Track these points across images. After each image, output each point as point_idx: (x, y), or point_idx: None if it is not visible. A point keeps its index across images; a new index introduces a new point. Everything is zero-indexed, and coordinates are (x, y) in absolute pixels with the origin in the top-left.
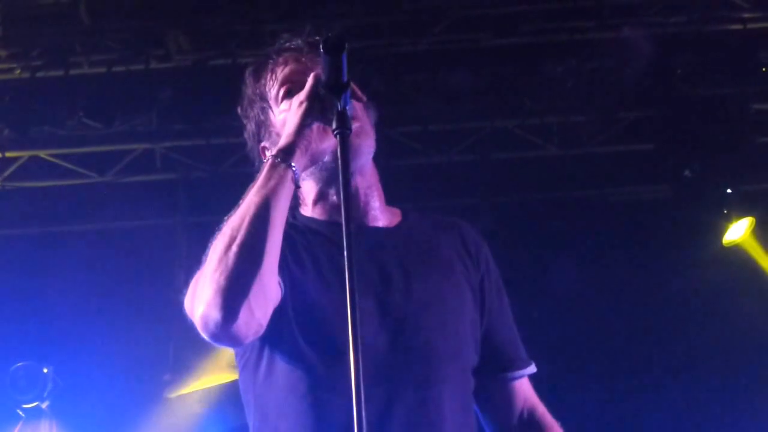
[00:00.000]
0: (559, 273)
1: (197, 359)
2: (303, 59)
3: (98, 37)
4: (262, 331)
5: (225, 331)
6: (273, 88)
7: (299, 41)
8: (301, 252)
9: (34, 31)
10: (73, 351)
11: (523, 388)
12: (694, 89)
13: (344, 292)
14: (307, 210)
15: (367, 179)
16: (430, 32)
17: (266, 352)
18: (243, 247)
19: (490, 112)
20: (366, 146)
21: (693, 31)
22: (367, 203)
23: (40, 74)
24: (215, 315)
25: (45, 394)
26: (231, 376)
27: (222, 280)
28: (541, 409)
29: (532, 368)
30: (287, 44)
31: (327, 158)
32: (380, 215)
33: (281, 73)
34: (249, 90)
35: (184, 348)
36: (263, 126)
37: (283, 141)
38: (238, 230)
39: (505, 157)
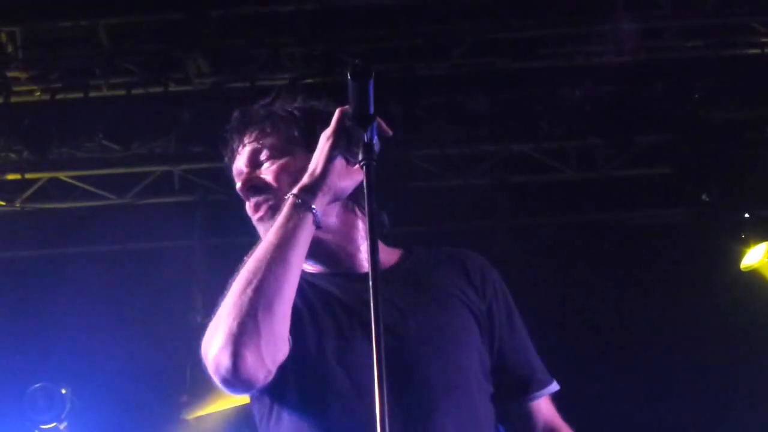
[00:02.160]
0: (576, 296)
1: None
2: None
3: (117, 59)
4: (271, 377)
5: (234, 375)
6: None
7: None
8: (297, 304)
9: (54, 53)
10: (91, 372)
11: (543, 410)
12: (711, 113)
13: (341, 338)
14: None
15: (353, 228)
16: (448, 56)
17: (275, 407)
18: (258, 292)
19: (507, 136)
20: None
21: (711, 55)
22: (357, 249)
23: (59, 96)
24: (225, 360)
25: (63, 415)
26: (248, 399)
27: (235, 326)
28: (565, 431)
29: (553, 387)
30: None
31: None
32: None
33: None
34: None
35: (202, 369)
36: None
37: (307, 178)
38: (254, 273)
39: (523, 180)
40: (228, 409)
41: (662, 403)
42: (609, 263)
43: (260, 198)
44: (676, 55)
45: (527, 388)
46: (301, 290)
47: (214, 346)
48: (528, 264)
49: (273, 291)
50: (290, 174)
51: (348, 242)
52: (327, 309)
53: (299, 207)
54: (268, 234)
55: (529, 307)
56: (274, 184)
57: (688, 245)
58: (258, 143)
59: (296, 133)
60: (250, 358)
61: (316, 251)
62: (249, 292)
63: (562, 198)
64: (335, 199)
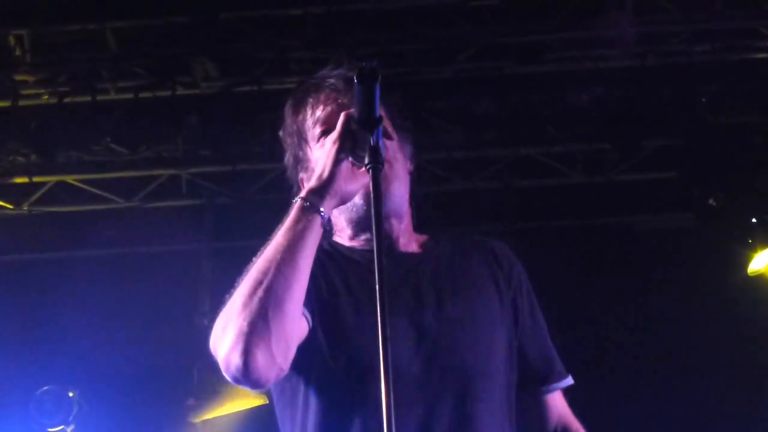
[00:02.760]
0: (583, 301)
1: (221, 384)
2: (340, 100)
3: (125, 63)
4: (283, 375)
5: (245, 375)
6: (311, 128)
7: (338, 79)
8: (334, 278)
9: (62, 57)
10: (98, 375)
11: (557, 404)
12: (718, 117)
13: (375, 315)
14: (342, 237)
15: (401, 217)
16: (455, 60)
17: (302, 381)
18: (268, 292)
19: (514, 140)
20: (392, 192)
21: (718, 59)
22: (399, 231)
23: (67, 100)
24: (236, 359)
25: (70, 419)
26: (255, 401)
27: (245, 325)
28: (576, 426)
29: (568, 380)
30: (327, 80)
31: (361, 197)
32: (409, 240)
33: (321, 112)
34: (288, 121)
35: (209, 373)
36: (300, 160)
37: (314, 182)
38: (264, 274)
39: (530, 184)
40: (235, 412)
41: (669, 406)
42: (616, 267)
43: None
44: (683, 60)
45: (545, 380)
46: (337, 265)
47: (225, 344)
48: (535, 268)
49: (283, 291)
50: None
51: (393, 220)
52: (362, 285)
53: (308, 210)
54: (277, 236)
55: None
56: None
57: (695, 249)
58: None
59: (397, 119)
60: (261, 358)
61: (362, 224)
62: (259, 292)
63: (569, 202)
64: (342, 202)
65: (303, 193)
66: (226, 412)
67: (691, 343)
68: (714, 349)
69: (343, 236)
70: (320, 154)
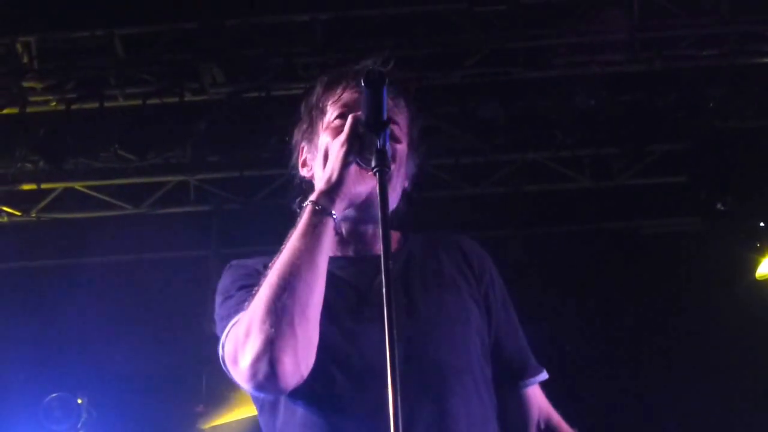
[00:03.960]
0: (591, 305)
1: (230, 391)
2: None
3: (133, 70)
4: (302, 380)
5: (273, 382)
6: (330, 107)
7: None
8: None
9: (69, 63)
10: (107, 382)
11: (536, 397)
12: (726, 122)
13: (354, 322)
14: None
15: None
16: (462, 65)
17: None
18: (293, 297)
19: (522, 145)
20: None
21: (725, 64)
22: (373, 236)
23: (75, 106)
24: (264, 368)
25: (79, 425)
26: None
27: (272, 333)
28: (557, 417)
29: (543, 375)
30: (359, 68)
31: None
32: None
33: (345, 95)
34: (313, 95)
35: (217, 379)
36: (307, 131)
37: (324, 185)
38: (286, 280)
39: (537, 189)
40: (244, 418)
41: (676, 409)
42: (624, 272)
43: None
44: (690, 64)
45: (523, 374)
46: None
47: (249, 352)
48: (542, 273)
49: (306, 296)
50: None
51: (358, 225)
52: (338, 292)
53: (320, 213)
54: (292, 240)
55: (544, 315)
56: (394, 159)
57: (703, 254)
58: (393, 108)
59: (413, 137)
60: (288, 365)
61: (343, 231)
62: (284, 298)
63: (576, 206)
64: (350, 204)
65: (314, 197)
66: (235, 419)
67: (698, 347)
68: (721, 352)
69: None
70: (329, 148)
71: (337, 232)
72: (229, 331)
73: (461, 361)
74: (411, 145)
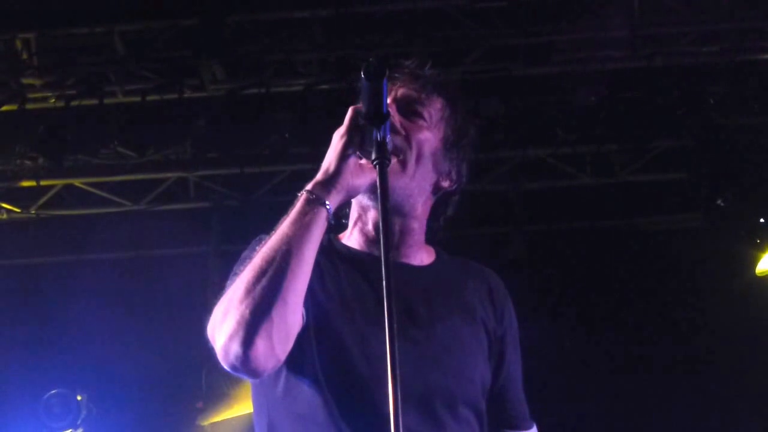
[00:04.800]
0: (591, 301)
1: (230, 387)
2: (401, 89)
3: (133, 66)
4: (279, 365)
5: (244, 363)
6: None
7: (412, 71)
8: (328, 279)
9: (69, 60)
10: (107, 378)
11: None
12: (726, 118)
13: (367, 323)
14: (344, 236)
15: (408, 214)
16: (462, 62)
17: (284, 373)
18: (273, 282)
19: (522, 142)
20: (397, 187)
21: (725, 60)
22: (401, 239)
23: (74, 103)
24: (236, 348)
25: (78, 422)
26: None
27: (247, 314)
28: None
29: (534, 431)
30: (406, 70)
31: (365, 191)
32: (413, 253)
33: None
34: None
35: (217, 376)
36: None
37: (320, 175)
38: (269, 264)
39: (538, 186)
40: (243, 415)
41: (675, 403)
42: (624, 268)
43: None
44: (691, 61)
45: (517, 425)
46: (334, 266)
47: (224, 332)
48: (543, 269)
49: (287, 282)
50: (428, 147)
51: (396, 221)
52: (356, 290)
53: (313, 203)
54: (282, 226)
55: (545, 312)
56: (410, 140)
57: (703, 250)
58: (424, 100)
59: (450, 136)
60: (261, 347)
61: (362, 231)
62: (263, 281)
63: (577, 203)
64: (348, 197)
65: (309, 186)
66: (235, 415)
67: (698, 343)
68: (721, 348)
69: (345, 234)
70: (330, 146)
71: (365, 231)
72: (214, 310)
73: (466, 392)
74: (445, 141)
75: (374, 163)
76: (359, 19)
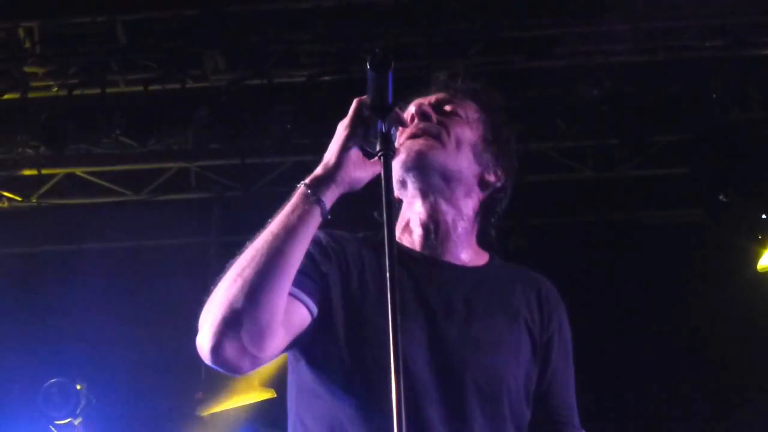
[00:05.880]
0: (593, 296)
1: (229, 378)
2: (434, 96)
3: (135, 56)
4: (260, 363)
5: (213, 361)
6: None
7: (444, 77)
8: (368, 273)
9: (71, 49)
10: (106, 368)
11: None
12: (729, 113)
13: (402, 320)
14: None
15: (455, 207)
16: (465, 54)
17: (303, 363)
18: (246, 281)
19: (524, 135)
20: (436, 162)
21: (728, 55)
22: (447, 235)
23: (76, 92)
24: (205, 346)
25: (78, 411)
26: (263, 395)
27: (218, 314)
28: None
29: None
30: (441, 77)
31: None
32: (459, 252)
33: (420, 97)
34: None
35: None
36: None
37: (320, 169)
38: (248, 262)
39: (540, 179)
40: (243, 405)
41: (676, 399)
42: (626, 263)
43: (428, 125)
44: (694, 55)
45: (563, 430)
46: (377, 260)
47: (201, 329)
48: (544, 263)
49: (262, 281)
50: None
51: (453, 228)
52: (405, 291)
53: (307, 197)
54: (275, 220)
55: None
56: (446, 127)
57: (705, 245)
58: (459, 102)
59: (488, 134)
60: (229, 347)
61: (407, 227)
62: (239, 280)
63: (578, 197)
64: (350, 189)
65: (307, 180)
66: (234, 406)
67: (700, 338)
68: (723, 344)
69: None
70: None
71: (411, 228)
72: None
73: (494, 393)
74: (484, 137)
75: (379, 155)
76: (362, 10)
